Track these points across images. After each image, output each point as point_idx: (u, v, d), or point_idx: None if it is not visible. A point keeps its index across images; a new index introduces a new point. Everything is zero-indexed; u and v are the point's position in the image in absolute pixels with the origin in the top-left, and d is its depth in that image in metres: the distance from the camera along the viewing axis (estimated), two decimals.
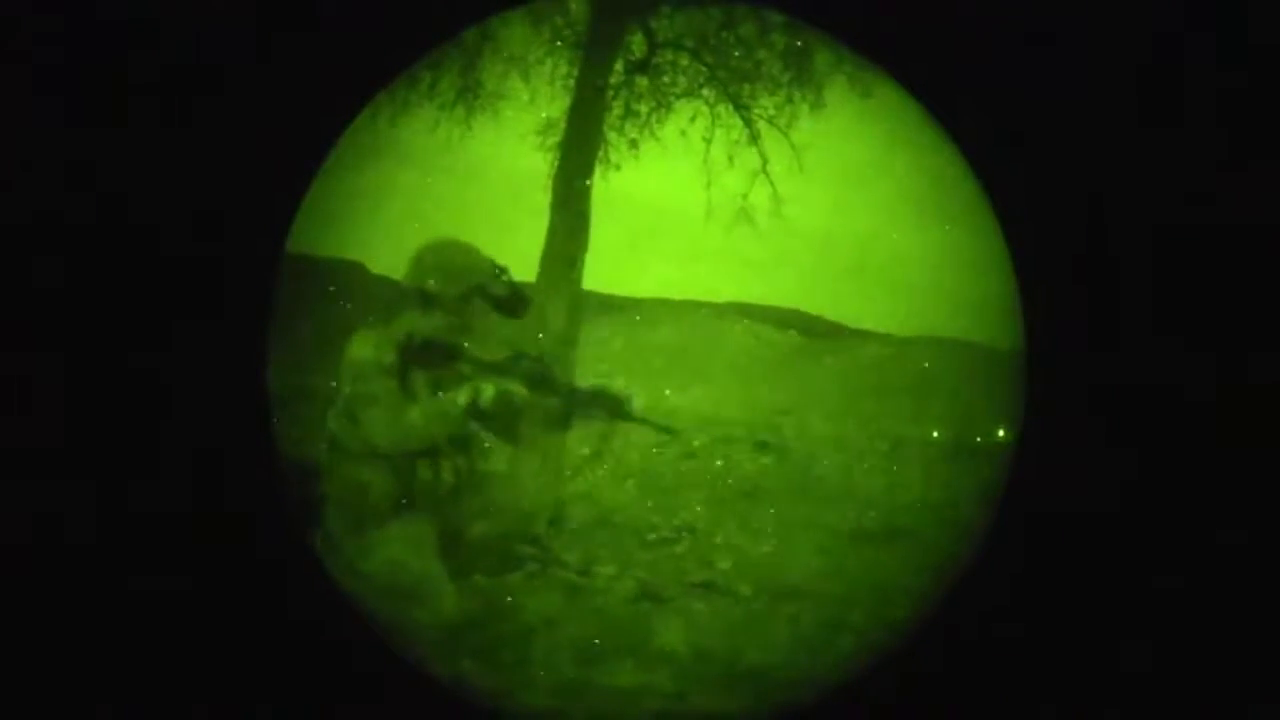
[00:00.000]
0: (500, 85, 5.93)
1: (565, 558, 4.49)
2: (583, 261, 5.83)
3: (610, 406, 3.36)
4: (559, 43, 5.89)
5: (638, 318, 5.96)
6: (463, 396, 3.26)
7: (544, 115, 5.98)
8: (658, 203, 5.56)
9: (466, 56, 5.83)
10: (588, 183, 5.85)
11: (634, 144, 6.12)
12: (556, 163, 5.88)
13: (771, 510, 5.15)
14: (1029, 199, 3.25)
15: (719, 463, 5.71)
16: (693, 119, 6.08)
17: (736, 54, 6.12)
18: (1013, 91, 3.23)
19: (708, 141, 6.09)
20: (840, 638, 3.82)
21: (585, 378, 3.65)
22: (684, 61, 6.11)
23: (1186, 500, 3.18)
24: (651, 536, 4.93)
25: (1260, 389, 3.15)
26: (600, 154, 5.95)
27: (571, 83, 5.88)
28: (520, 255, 5.85)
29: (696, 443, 5.82)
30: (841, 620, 3.95)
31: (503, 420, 3.31)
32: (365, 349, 3.23)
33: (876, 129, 5.69)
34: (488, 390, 3.24)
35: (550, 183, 5.85)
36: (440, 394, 3.26)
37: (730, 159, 6.12)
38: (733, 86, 6.11)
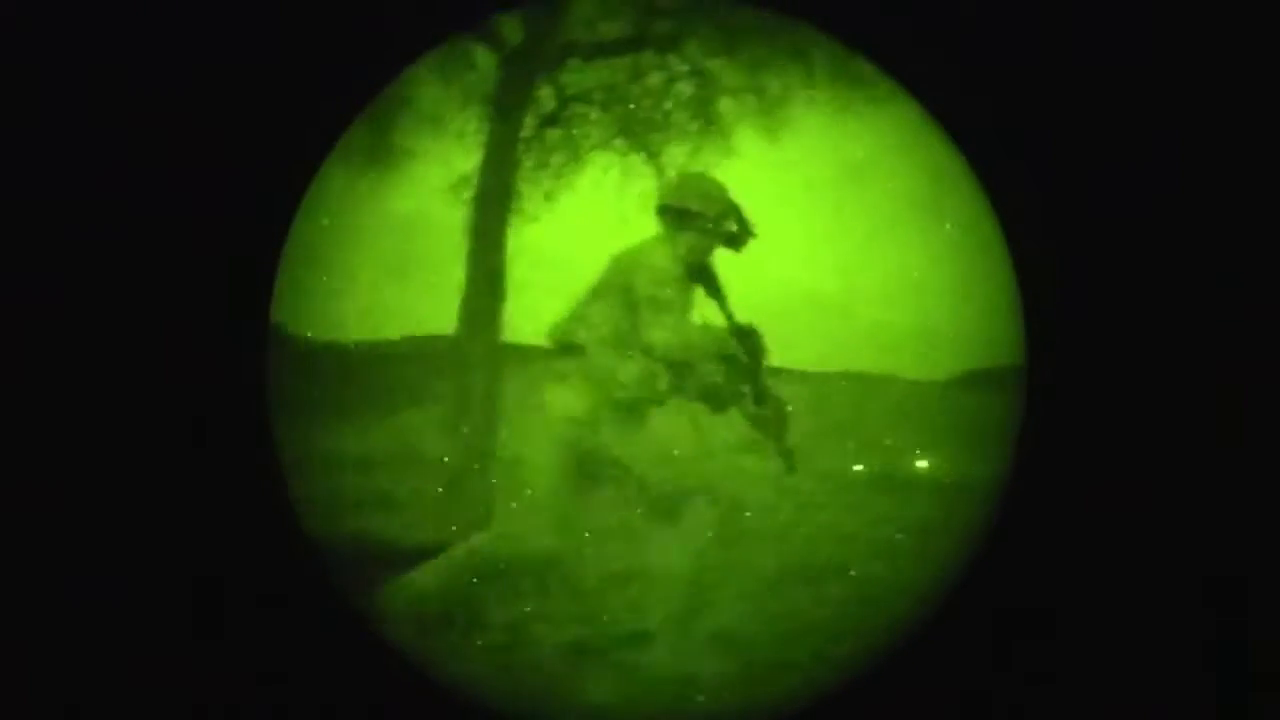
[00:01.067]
0: (412, 142, 5.93)
1: (492, 613, 4.41)
2: (502, 314, 5.83)
3: (781, 417, 3.64)
4: (469, 98, 5.91)
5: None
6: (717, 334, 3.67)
7: (458, 170, 5.98)
8: (574, 253, 5.59)
9: (378, 114, 5.81)
10: (502, 235, 5.87)
11: (549, 196, 6.15)
12: (471, 217, 5.89)
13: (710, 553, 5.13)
14: (1030, 212, 3.28)
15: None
16: (606, 170, 6.15)
17: (645, 104, 6.21)
18: (1011, 91, 3.26)
19: (622, 191, 6.16)
20: (786, 677, 3.82)
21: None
22: (594, 114, 6.18)
23: (1184, 504, 3.19)
24: (585, 584, 4.88)
25: (1260, 392, 3.18)
26: (515, 206, 5.98)
27: (483, 138, 5.91)
28: (438, 310, 5.84)
29: None
30: (784, 660, 3.94)
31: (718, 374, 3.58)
32: (661, 257, 3.50)
33: (788, 176, 5.80)
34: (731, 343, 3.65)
35: (465, 237, 5.86)
36: (707, 324, 3.56)
37: (645, 208, 6.17)
38: (643, 136, 6.19)
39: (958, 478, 5.42)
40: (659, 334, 3.50)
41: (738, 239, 3.68)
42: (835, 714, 3.41)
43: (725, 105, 6.21)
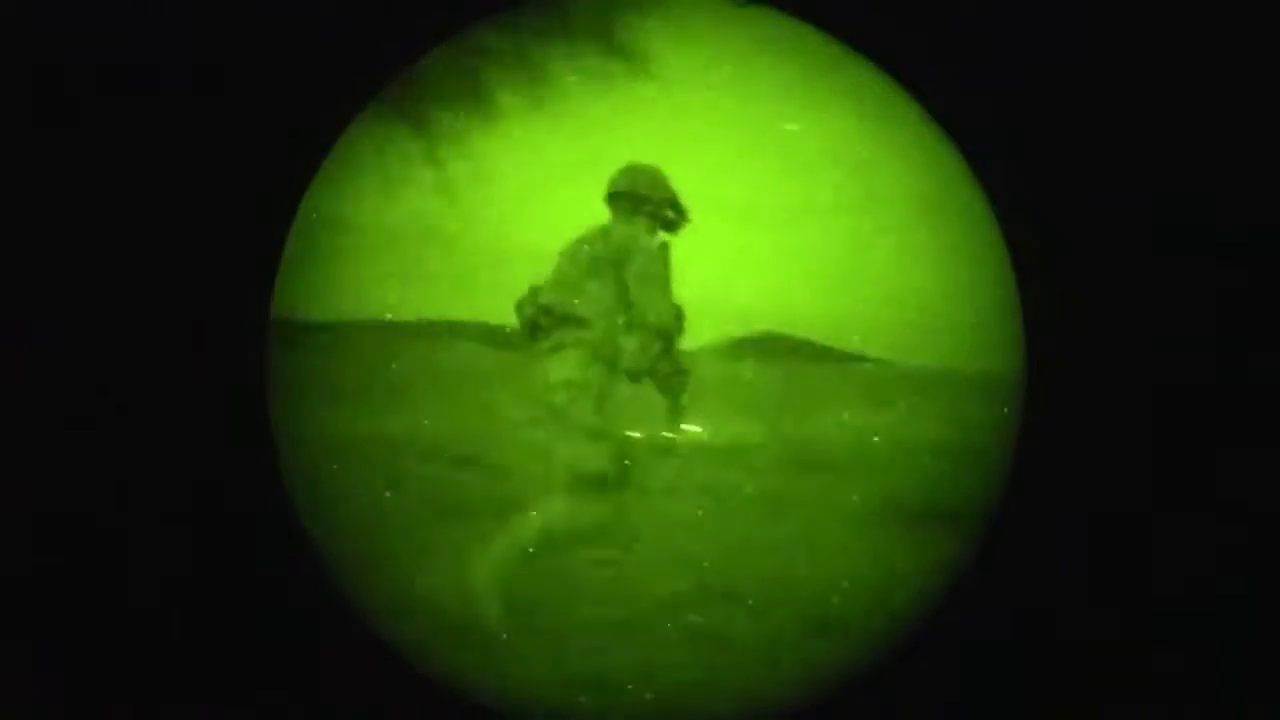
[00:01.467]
0: None
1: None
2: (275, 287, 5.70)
3: (685, 381, 4.11)
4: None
5: (333, 341, 5.89)
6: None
7: None
8: (346, 225, 5.57)
9: None
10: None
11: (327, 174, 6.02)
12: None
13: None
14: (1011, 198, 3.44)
15: None
16: (377, 140, 6.09)
17: (413, 74, 6.17)
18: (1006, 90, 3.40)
19: (389, 161, 6.12)
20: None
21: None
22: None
23: (1182, 508, 3.39)
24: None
25: (1259, 395, 3.34)
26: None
27: None
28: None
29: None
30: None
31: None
32: (647, 239, 4.01)
33: (558, 142, 5.94)
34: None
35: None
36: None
37: (412, 178, 6.18)
38: (411, 107, 6.17)
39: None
40: (654, 311, 3.81)
41: (674, 224, 4.06)
42: (833, 714, 3.56)
43: (491, 74, 6.27)
